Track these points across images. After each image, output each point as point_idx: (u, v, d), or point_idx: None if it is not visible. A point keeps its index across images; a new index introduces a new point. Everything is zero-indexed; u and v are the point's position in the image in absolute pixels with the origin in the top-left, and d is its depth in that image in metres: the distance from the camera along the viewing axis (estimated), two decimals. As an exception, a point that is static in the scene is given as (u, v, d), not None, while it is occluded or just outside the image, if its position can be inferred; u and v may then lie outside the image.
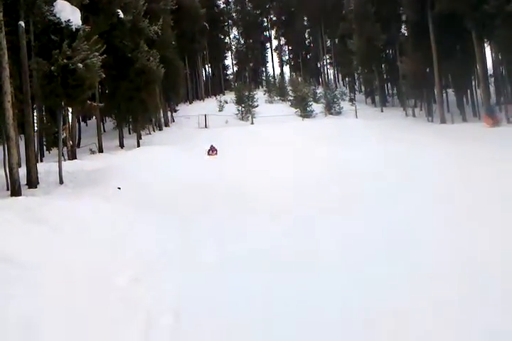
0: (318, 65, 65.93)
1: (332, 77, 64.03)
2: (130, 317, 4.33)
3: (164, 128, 31.38)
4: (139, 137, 24.71)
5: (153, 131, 29.43)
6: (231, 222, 7.99)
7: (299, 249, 6.22)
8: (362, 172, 12.29)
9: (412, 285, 4.80)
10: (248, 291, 4.89)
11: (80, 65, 12.70)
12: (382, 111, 38.50)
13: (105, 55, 14.21)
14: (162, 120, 31.73)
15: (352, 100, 43.33)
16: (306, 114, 35.65)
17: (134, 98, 22.38)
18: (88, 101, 14.93)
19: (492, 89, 37.42)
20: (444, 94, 34.44)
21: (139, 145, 23.41)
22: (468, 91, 36.22)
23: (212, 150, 21.39)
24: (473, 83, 37.45)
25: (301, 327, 4.08)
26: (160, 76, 24.01)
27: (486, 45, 37.48)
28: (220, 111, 38.03)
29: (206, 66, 57.38)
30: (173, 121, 34.56)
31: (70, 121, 21.66)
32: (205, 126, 30.45)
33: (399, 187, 9.76)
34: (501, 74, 38.21)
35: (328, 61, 64.63)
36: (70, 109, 19.67)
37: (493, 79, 40.36)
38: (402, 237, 6.30)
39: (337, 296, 4.63)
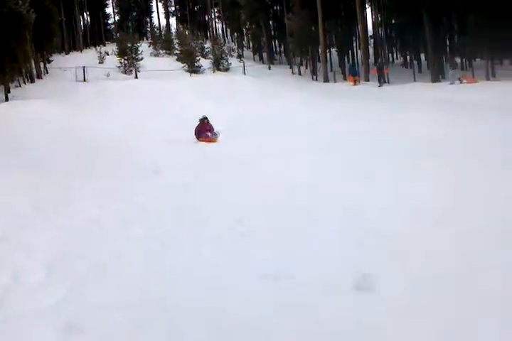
0: (206, 19, 63.99)
1: (220, 31, 62.65)
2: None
3: (37, 80, 28.46)
4: (8, 90, 22.20)
5: (24, 83, 26.59)
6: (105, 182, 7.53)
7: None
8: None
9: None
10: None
11: None
12: (269, 68, 38.62)
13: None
14: (34, 71, 28.75)
15: (240, 56, 42.80)
16: (193, 69, 34.55)
17: (1, 46, 19.98)
18: None
19: (371, 50, 39.41)
20: (328, 54, 35.43)
21: (7, 100, 21.07)
22: (350, 51, 37.73)
23: (207, 131, 13.17)
24: (355, 44, 39.04)
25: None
26: (31, 22, 21.54)
27: (367, 6, 38.92)
28: (100, 63, 35.25)
29: (85, 14, 52.64)
30: (47, 72, 31.47)
31: None
32: (84, 80, 28.09)
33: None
34: (380, 37, 40.27)
35: (216, 15, 62.95)
36: None
37: (372, 40, 42.43)
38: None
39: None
